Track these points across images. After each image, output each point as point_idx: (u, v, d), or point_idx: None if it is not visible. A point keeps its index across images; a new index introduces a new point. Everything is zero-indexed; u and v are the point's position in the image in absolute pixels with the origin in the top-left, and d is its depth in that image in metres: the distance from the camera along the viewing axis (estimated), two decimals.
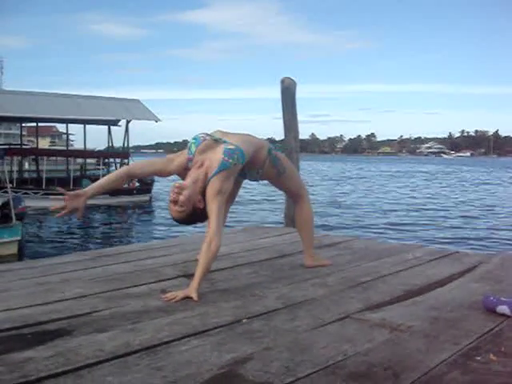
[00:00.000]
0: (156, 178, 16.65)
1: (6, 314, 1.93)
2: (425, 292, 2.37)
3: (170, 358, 1.55)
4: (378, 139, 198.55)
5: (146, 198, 20.50)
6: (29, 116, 20.33)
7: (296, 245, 3.22)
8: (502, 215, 17.19)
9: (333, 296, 2.29)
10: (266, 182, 2.84)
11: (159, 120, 22.91)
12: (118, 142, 24.28)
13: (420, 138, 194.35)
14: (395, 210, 18.07)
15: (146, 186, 20.02)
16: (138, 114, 22.37)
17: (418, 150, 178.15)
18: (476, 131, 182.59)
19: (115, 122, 22.89)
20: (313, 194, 18.22)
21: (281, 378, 1.43)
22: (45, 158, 20.68)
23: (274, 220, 12.05)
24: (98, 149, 28.05)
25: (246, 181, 2.84)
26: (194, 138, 2.50)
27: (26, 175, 22.17)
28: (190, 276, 2.32)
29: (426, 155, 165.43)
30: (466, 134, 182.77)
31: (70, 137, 34.95)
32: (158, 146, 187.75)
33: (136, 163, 2.66)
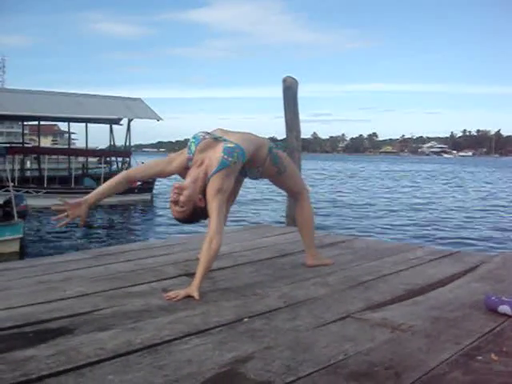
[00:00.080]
0: None
1: (8, 312, 1.94)
2: (426, 292, 2.36)
3: (171, 356, 1.56)
4: (380, 139, 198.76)
5: (147, 196, 20.49)
6: (30, 114, 20.33)
7: (297, 244, 3.21)
8: (503, 214, 17.17)
9: (334, 295, 2.29)
10: (266, 180, 2.84)
11: (161, 119, 22.90)
12: (119, 141, 24.32)
13: (422, 137, 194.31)
14: (396, 210, 18.05)
15: (147, 184, 20.01)
16: (139, 112, 22.36)
17: (419, 150, 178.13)
18: (478, 131, 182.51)
19: (117, 121, 22.89)
20: (313, 194, 18.21)
21: (282, 377, 1.43)
22: (46, 156, 20.66)
23: (276, 219, 12.05)
24: (99, 147, 28.06)
25: (248, 180, 2.84)
26: (194, 137, 2.50)
27: (27, 174, 22.12)
28: (192, 275, 2.32)
29: (427, 155, 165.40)
30: (467, 134, 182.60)
31: (72, 135, 35.01)
32: (159, 144, 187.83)
33: (135, 168, 2.74)
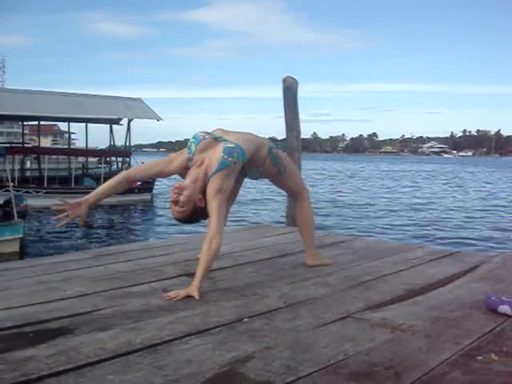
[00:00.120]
0: None
1: (8, 312, 1.94)
2: (426, 292, 2.36)
3: (171, 356, 1.56)
4: (380, 139, 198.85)
5: (147, 196, 20.50)
6: (30, 114, 20.33)
7: (297, 244, 3.21)
8: (503, 214, 17.17)
9: (334, 295, 2.29)
10: (266, 180, 2.84)
11: (161, 119, 22.90)
12: (119, 141, 24.32)
13: (422, 137, 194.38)
14: (396, 210, 18.05)
15: (147, 184, 20.00)
16: (139, 112, 22.35)
17: (419, 150, 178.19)
18: (478, 131, 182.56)
19: (117, 121, 22.88)
20: (313, 194, 18.20)
21: (282, 377, 1.43)
22: (46, 156, 20.66)
23: (276, 219, 12.05)
24: (99, 147, 28.03)
25: (248, 180, 2.84)
26: (194, 137, 2.50)
27: (27, 174, 22.13)
28: (192, 275, 2.32)
29: (427, 155, 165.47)
30: (467, 134, 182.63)
31: (72, 135, 35.00)
32: (159, 144, 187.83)
33: (135, 168, 2.74)
